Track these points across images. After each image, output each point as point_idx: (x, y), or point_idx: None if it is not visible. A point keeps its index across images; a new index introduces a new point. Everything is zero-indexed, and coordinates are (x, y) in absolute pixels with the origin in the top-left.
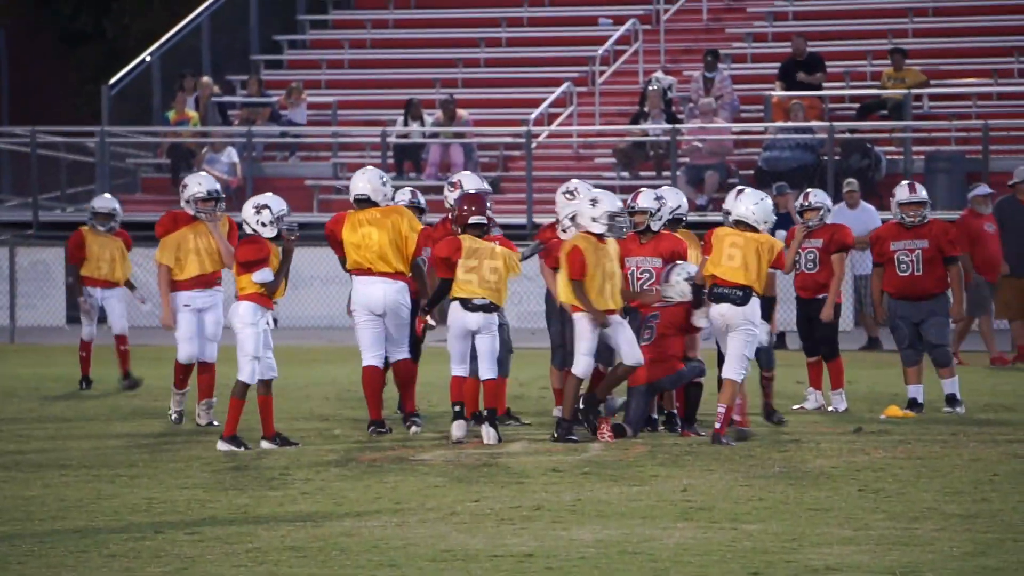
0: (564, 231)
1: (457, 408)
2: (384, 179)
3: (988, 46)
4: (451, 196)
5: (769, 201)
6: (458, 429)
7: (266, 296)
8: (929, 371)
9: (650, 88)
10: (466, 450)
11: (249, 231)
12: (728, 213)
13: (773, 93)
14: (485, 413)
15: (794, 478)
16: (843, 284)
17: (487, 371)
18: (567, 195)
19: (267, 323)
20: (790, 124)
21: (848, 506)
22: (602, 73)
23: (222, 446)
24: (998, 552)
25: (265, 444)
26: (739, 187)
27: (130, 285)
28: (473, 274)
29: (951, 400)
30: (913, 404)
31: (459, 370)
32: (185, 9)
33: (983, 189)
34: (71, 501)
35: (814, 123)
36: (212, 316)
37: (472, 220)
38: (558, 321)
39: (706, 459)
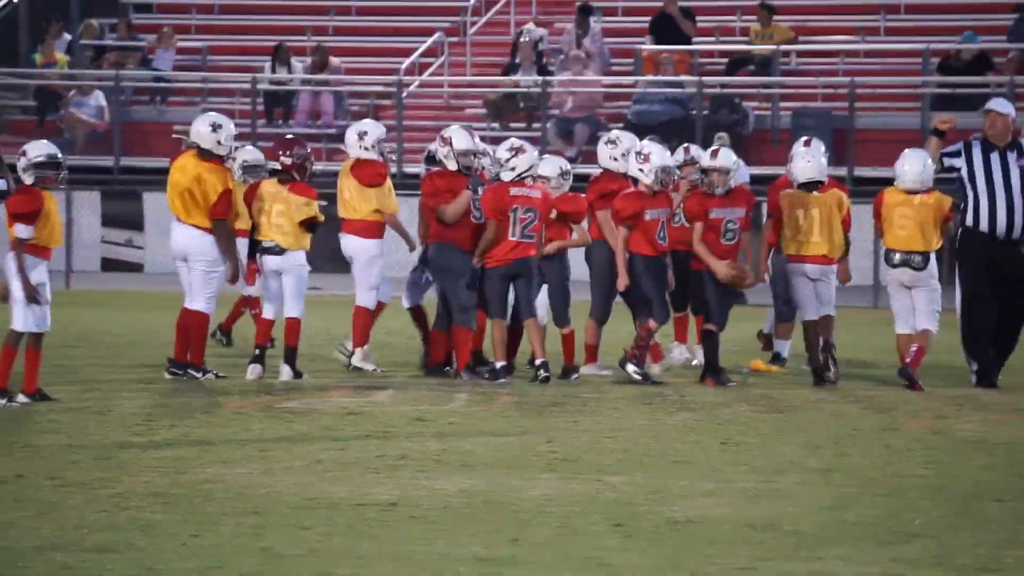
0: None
1: (258, 351)
2: (214, 126)
3: (855, 3)
4: (441, 151)
5: (932, 165)
6: (252, 372)
7: (41, 246)
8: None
9: (521, 39)
10: (332, 399)
11: (28, 181)
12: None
13: (643, 47)
14: (284, 351)
15: (658, 431)
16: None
17: (290, 309)
18: (609, 144)
19: (44, 275)
20: (660, 78)
21: (711, 459)
22: (474, 23)
23: None
24: (856, 506)
25: (23, 399)
26: (905, 151)
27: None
28: (264, 217)
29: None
30: (776, 358)
31: (268, 311)
32: None
33: None
34: None
35: (684, 77)
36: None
37: (269, 165)
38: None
39: (572, 411)
